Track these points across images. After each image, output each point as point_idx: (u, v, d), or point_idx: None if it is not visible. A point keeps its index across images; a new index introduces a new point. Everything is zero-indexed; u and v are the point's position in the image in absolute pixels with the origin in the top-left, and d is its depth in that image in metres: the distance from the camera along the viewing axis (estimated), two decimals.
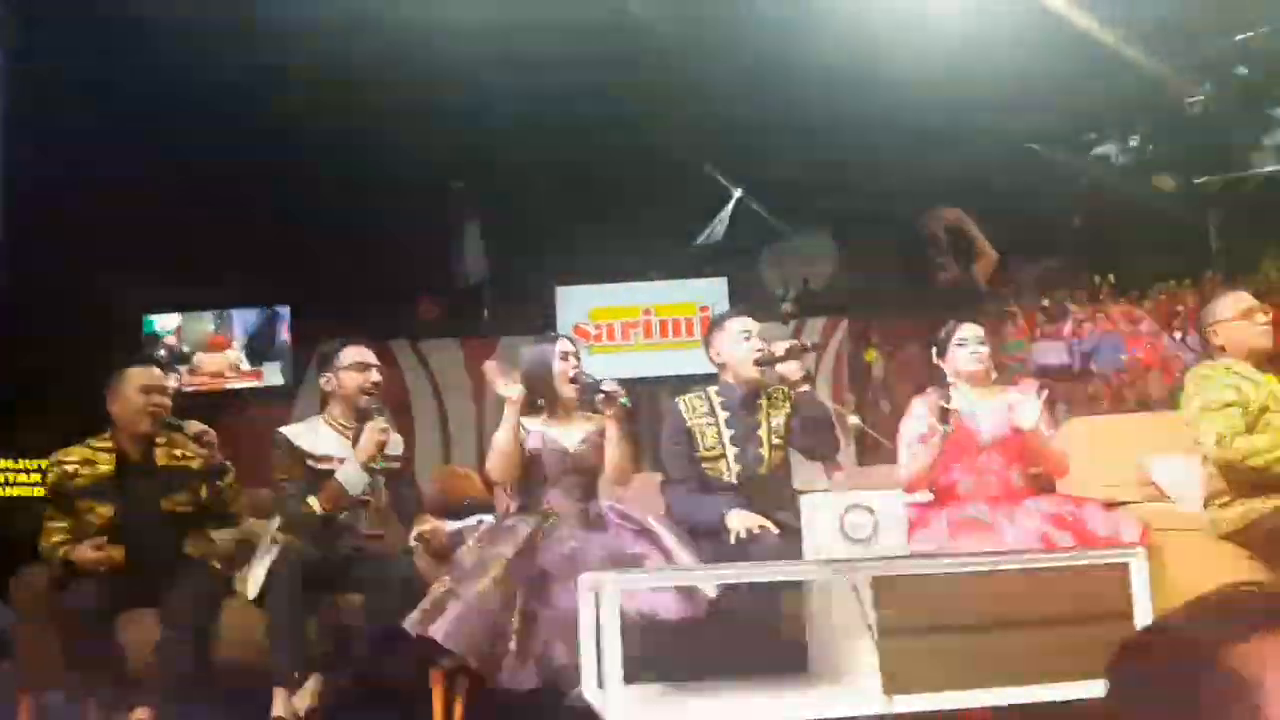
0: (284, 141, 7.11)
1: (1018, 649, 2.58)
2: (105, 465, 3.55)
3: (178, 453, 3.65)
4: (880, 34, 8.19)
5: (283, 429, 3.66)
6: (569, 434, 3.57)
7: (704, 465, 3.62)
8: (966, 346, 3.67)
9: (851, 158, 8.66)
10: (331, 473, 3.51)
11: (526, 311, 7.83)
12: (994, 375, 3.73)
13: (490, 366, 3.70)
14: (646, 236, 8.02)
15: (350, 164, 7.62)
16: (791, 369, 3.63)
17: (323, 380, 3.73)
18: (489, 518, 3.82)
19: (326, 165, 7.42)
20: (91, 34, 5.88)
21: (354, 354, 3.68)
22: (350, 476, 3.47)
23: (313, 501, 3.45)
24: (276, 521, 3.61)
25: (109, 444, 3.59)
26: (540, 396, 3.60)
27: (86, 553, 3.36)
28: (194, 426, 3.61)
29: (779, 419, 3.66)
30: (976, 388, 3.67)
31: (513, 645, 3.12)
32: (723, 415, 3.65)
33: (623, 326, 7.33)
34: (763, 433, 3.64)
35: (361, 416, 3.60)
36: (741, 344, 3.66)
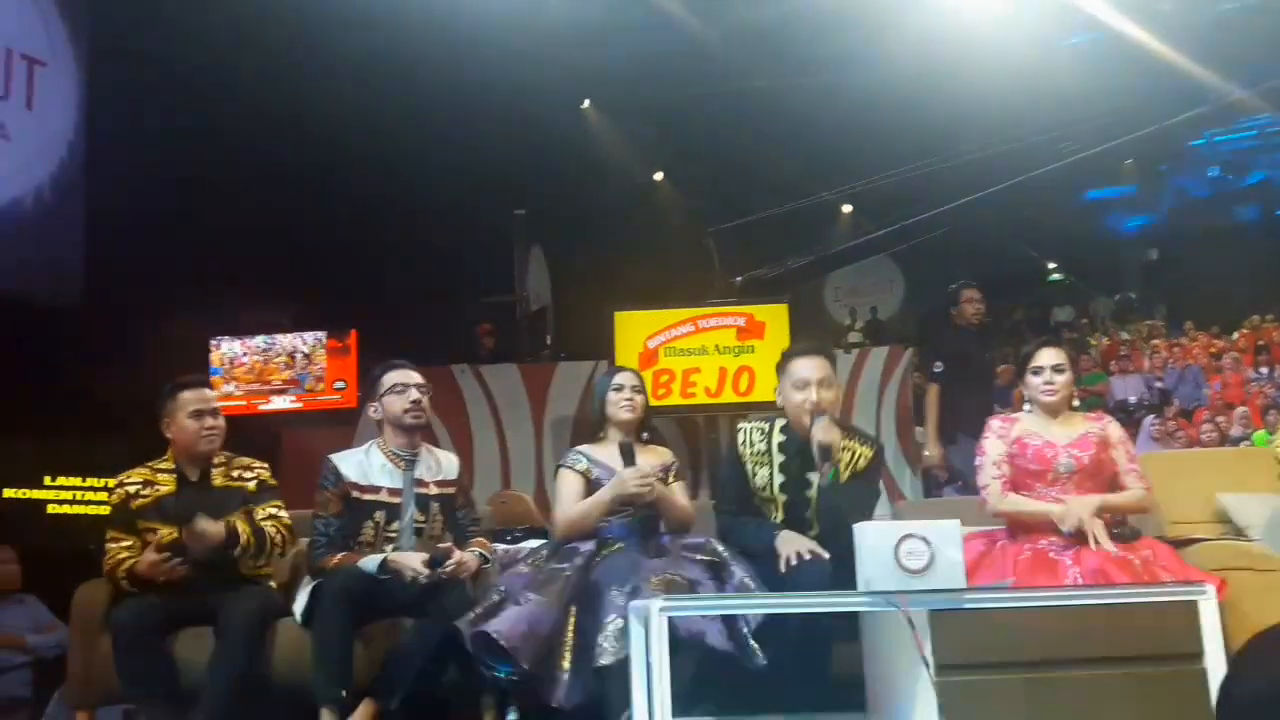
0: (352, 174, 7.28)
1: (1082, 687, 2.48)
2: (166, 487, 3.58)
3: (235, 474, 3.67)
4: (949, 66, 8.11)
5: (333, 455, 3.64)
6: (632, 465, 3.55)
7: (755, 500, 3.52)
8: (1042, 375, 3.52)
9: (921, 189, 8.57)
10: (377, 504, 3.53)
11: (586, 337, 7.84)
12: (1075, 403, 3.58)
13: (643, 466, 3.48)
14: (708, 262, 8.00)
15: (416, 194, 7.76)
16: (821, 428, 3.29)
17: (370, 409, 3.72)
18: (543, 543, 3.80)
19: (392, 195, 7.56)
20: (163, 75, 6.10)
21: (393, 377, 3.66)
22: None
23: (331, 558, 3.44)
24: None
25: (169, 465, 3.63)
26: (599, 427, 3.64)
27: (151, 556, 3.39)
28: (243, 461, 3.67)
29: (830, 479, 3.36)
30: (1054, 415, 3.53)
31: (566, 662, 3.10)
32: (778, 459, 3.47)
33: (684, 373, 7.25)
34: (812, 493, 3.41)
35: (409, 437, 3.61)
36: (794, 394, 3.42)
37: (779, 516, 3.43)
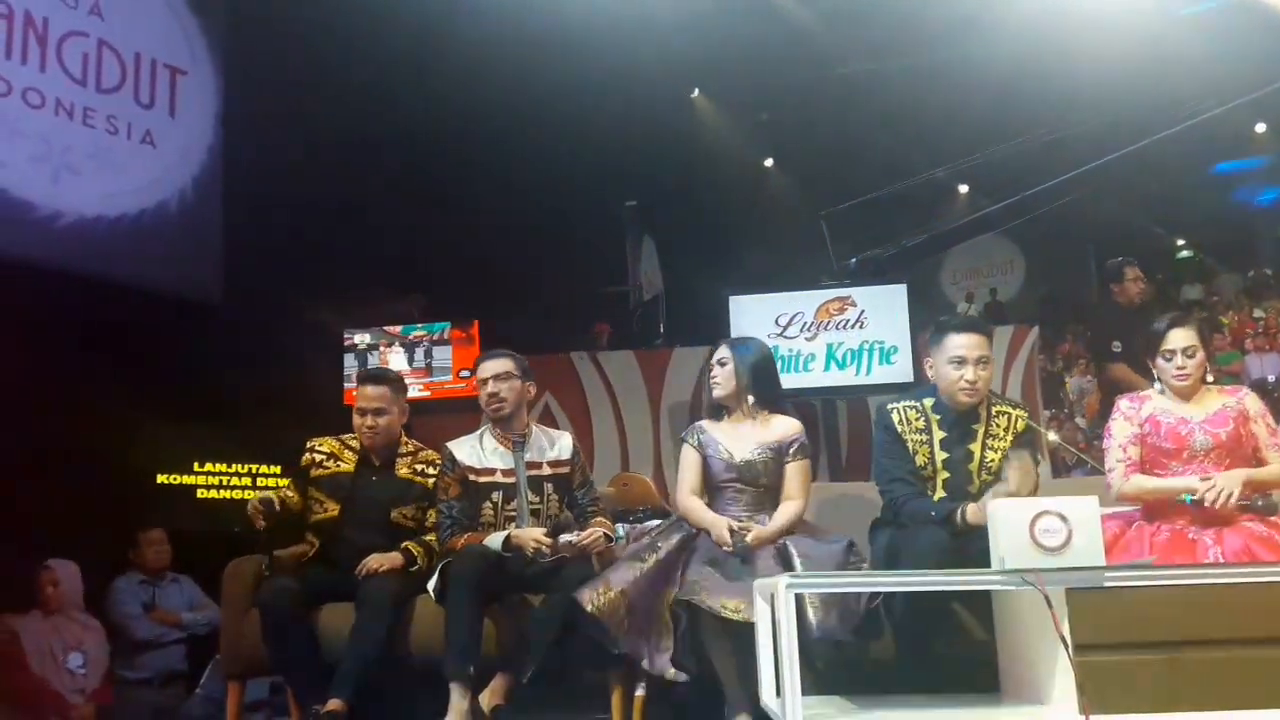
0: (474, 171, 7.46)
1: (1226, 669, 2.40)
2: (346, 465, 3.79)
3: (418, 468, 3.83)
4: (1063, 34, 7.85)
5: (449, 443, 3.75)
6: (739, 443, 3.56)
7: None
8: (1174, 360, 3.36)
9: (1037, 161, 8.33)
10: (493, 485, 3.63)
11: (701, 324, 7.88)
12: (1209, 380, 3.42)
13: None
14: (821, 245, 7.93)
15: (533, 188, 7.91)
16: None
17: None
18: (663, 522, 3.84)
19: (510, 190, 7.72)
20: (295, 79, 6.36)
21: (481, 370, 3.78)
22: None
23: (457, 539, 3.56)
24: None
25: (358, 444, 3.83)
26: (704, 404, 3.69)
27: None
28: (427, 455, 3.83)
29: (994, 453, 3.37)
30: (1187, 398, 3.39)
31: (669, 641, 3.21)
32: (939, 435, 3.39)
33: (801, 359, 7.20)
34: (973, 466, 3.37)
35: (506, 423, 3.70)
36: (949, 370, 3.37)
37: (940, 493, 3.36)
